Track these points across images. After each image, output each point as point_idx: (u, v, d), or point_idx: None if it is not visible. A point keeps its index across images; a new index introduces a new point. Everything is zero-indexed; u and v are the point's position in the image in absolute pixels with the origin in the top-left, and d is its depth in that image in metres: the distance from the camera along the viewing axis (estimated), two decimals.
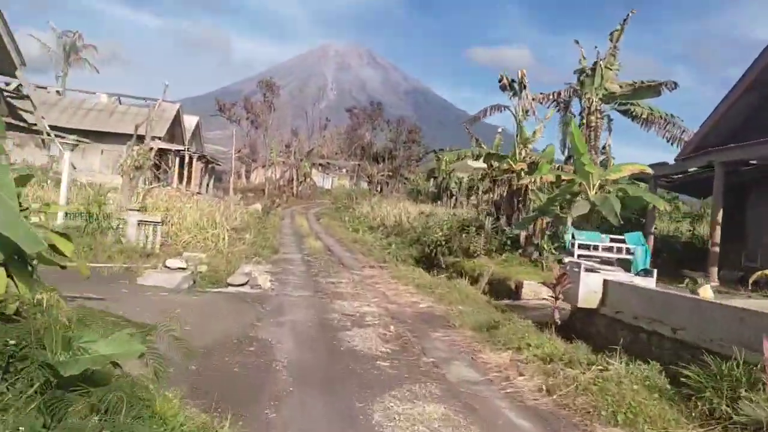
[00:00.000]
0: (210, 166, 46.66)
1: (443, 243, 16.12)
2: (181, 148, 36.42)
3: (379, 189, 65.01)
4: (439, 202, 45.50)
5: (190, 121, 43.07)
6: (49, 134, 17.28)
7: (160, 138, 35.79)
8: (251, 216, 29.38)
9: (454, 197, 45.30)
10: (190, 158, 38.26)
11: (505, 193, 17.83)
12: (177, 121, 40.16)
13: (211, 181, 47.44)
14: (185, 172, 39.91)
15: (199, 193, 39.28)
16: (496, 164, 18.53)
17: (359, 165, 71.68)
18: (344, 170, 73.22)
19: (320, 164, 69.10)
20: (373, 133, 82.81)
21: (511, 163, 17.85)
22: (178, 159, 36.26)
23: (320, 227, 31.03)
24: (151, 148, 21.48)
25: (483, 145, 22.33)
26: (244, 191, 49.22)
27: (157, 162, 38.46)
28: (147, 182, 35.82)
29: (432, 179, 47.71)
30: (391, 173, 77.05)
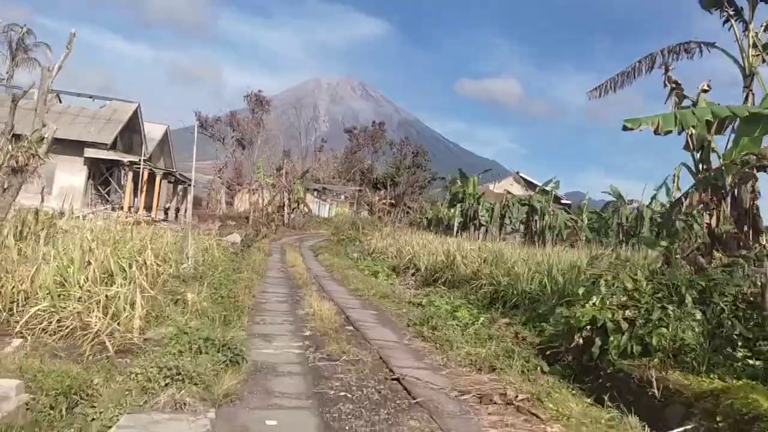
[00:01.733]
0: (183, 187, 37.94)
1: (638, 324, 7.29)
2: (134, 159, 27.75)
3: (378, 219, 56.27)
4: (464, 234, 36.99)
5: (154, 131, 34.62)
6: None
7: (106, 145, 27.18)
8: (223, 252, 20.81)
9: (482, 227, 36.83)
10: (150, 174, 29.65)
11: (728, 214, 8.91)
12: (134, 127, 31.64)
13: (186, 207, 38.71)
14: (146, 193, 31.14)
15: (164, 219, 30.49)
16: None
17: (360, 191, 63.25)
18: (342, 196, 64.67)
19: (315, 189, 60.57)
20: (374, 156, 74.73)
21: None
22: (130, 174, 27.65)
23: (321, 268, 22.33)
24: (42, 138, 12.83)
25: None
26: (225, 218, 40.47)
27: (107, 177, 29.65)
28: (90, 202, 27.04)
29: (454, 207, 39.21)
30: (393, 201, 68.68)
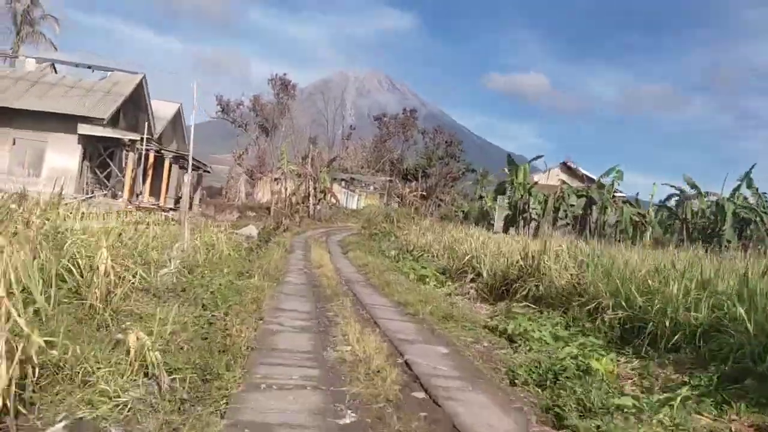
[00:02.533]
0: (198, 174, 34.24)
1: None
2: (135, 137, 24.01)
3: (415, 211, 52.11)
4: (511, 230, 32.63)
5: (165, 109, 30.91)
6: None
7: (102, 121, 23.50)
8: (235, 248, 17.07)
9: (532, 222, 32.46)
10: (158, 158, 25.95)
11: None
12: (139, 103, 27.91)
13: (199, 195, 35.03)
14: (152, 179, 27.48)
15: (172, 209, 26.80)
16: None
17: (390, 182, 59.12)
18: (372, 187, 60.54)
19: (343, 179, 56.60)
20: (405, 145, 70.48)
21: None
22: (134, 156, 23.94)
23: (353, 269, 18.36)
24: None
25: None
26: (244, 209, 36.78)
27: (106, 159, 26.01)
28: (84, 189, 23.44)
29: (498, 197, 34.73)
30: (424, 193, 64.42)
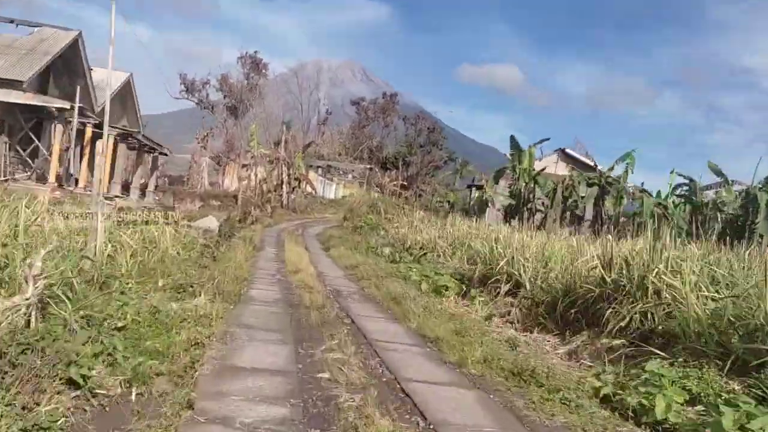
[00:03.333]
0: (153, 156, 29.56)
1: None
2: (62, 105, 19.29)
3: (405, 200, 48.23)
4: (513, 221, 28.79)
5: (110, 77, 26.12)
6: None
7: (21, 84, 18.75)
8: (186, 247, 12.92)
9: (538, 213, 28.74)
10: (94, 133, 21.27)
11: None
12: (75, 67, 23.09)
13: (154, 182, 30.34)
14: (89, 160, 22.79)
15: (118, 196, 22.23)
16: None
17: (370, 169, 54.98)
18: (350, 176, 56.19)
19: (319, 167, 52.15)
20: (385, 131, 66.34)
21: None
22: (63, 130, 19.28)
23: (341, 273, 14.30)
24: None
25: None
26: (207, 197, 32.25)
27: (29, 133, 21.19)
28: (3, 169, 18.78)
29: (495, 185, 30.80)
30: (405, 183, 60.42)
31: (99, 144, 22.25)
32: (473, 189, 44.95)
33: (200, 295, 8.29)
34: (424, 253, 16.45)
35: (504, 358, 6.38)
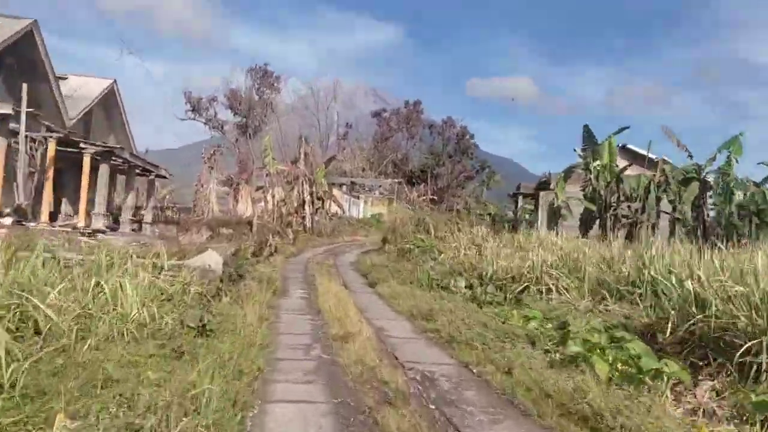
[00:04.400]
0: (149, 180, 24.75)
1: None
2: (7, 112, 14.42)
3: (457, 214, 43.07)
4: (591, 232, 23.39)
5: (88, 85, 21.38)
6: None
7: None
8: (164, 305, 7.70)
9: (620, 225, 23.28)
10: (60, 152, 16.39)
11: None
12: (31, 64, 18.33)
13: (152, 211, 25.44)
14: (63, 186, 17.97)
15: (99, 231, 17.32)
16: None
17: (399, 183, 49.88)
18: (376, 192, 51.02)
19: (342, 184, 47.16)
20: (410, 143, 61.41)
21: None
22: (28, 144, 14.44)
23: (407, 326, 9.12)
24: None
25: None
26: (217, 226, 27.26)
27: None
28: None
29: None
30: (434, 197, 55.18)
31: (102, 171, 17.51)
32: (519, 198, 39.52)
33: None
34: (524, 287, 11.14)
35: None
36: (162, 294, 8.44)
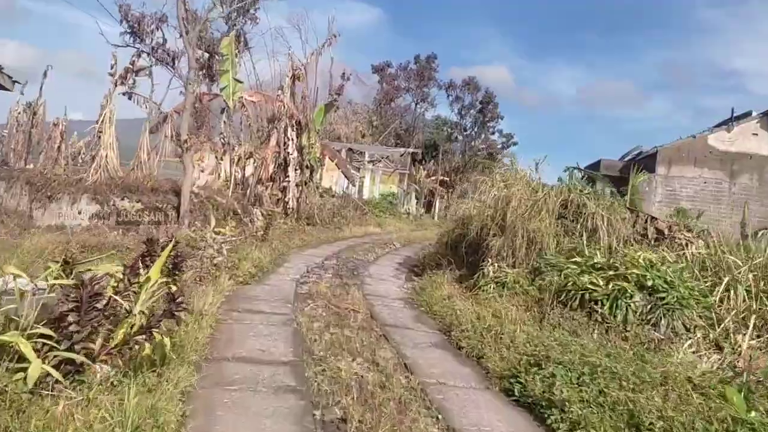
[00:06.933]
0: None
1: None
2: None
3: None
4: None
5: None
6: None
7: None
8: None
9: None
10: None
11: None
12: None
13: None
14: None
15: None
16: None
17: (412, 155, 37.39)
18: (381, 164, 37.99)
19: (336, 150, 34.30)
20: (421, 106, 48.70)
21: None
22: None
23: None
24: None
25: None
26: (109, 193, 14.28)
27: None
28: None
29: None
30: (447, 179, 42.76)
31: None
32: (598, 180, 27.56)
33: None
34: None
35: None
36: None
